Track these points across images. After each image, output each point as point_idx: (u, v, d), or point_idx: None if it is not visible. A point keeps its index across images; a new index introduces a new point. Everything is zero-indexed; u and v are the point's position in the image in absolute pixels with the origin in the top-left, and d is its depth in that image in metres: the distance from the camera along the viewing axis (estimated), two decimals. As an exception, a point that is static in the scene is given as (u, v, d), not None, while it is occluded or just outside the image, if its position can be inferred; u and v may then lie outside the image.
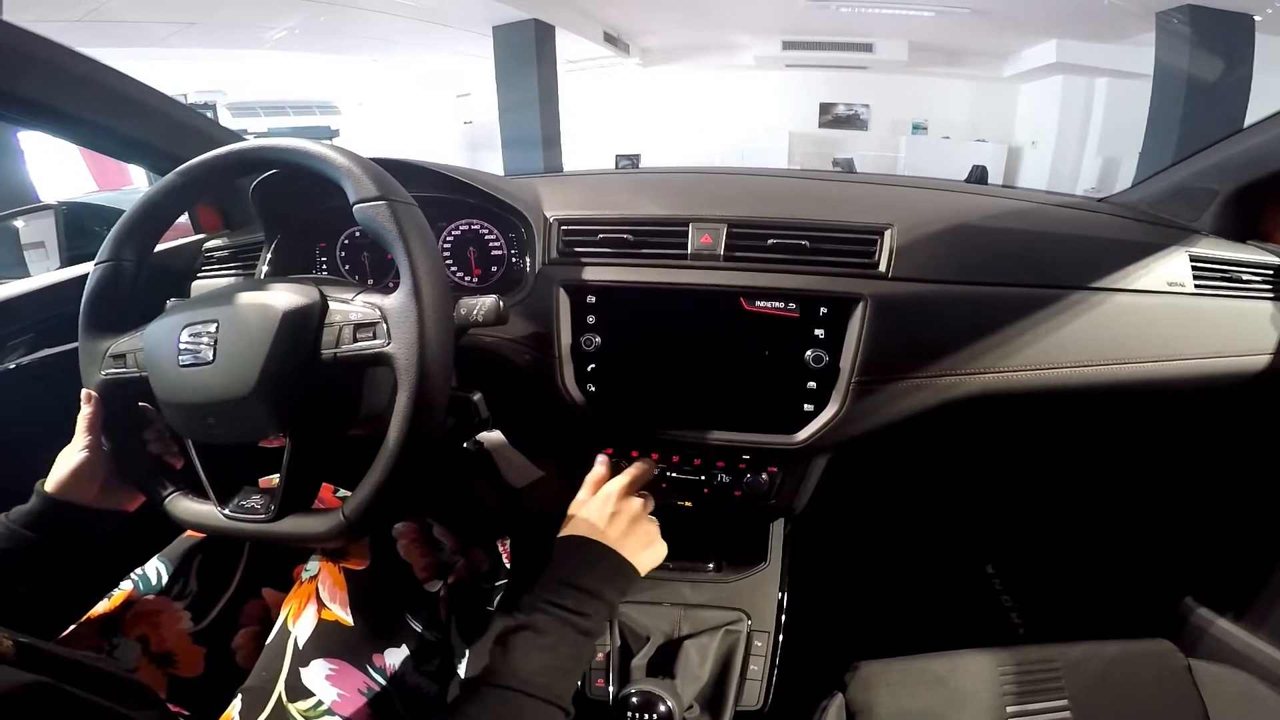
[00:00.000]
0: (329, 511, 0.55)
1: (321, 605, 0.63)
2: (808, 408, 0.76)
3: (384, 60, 8.35)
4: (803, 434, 0.76)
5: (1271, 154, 0.88)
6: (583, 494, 0.69)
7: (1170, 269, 0.82)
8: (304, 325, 0.56)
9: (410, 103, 10.39)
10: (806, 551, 0.95)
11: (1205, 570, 1.02)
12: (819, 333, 0.75)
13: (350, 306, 0.56)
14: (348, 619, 0.62)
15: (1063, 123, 8.59)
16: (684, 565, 0.87)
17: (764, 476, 0.80)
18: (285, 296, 0.57)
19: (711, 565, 0.88)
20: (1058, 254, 0.81)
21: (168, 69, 7.13)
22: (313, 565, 0.67)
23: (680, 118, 9.82)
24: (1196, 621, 0.99)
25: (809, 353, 0.75)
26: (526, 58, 6.50)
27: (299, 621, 0.62)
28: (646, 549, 0.66)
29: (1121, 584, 1.15)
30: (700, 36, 8.67)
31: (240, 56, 7.10)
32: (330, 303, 0.57)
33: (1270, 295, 0.84)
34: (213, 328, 0.57)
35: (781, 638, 0.82)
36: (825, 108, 9.88)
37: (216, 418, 0.56)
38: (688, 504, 0.83)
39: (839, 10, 6.87)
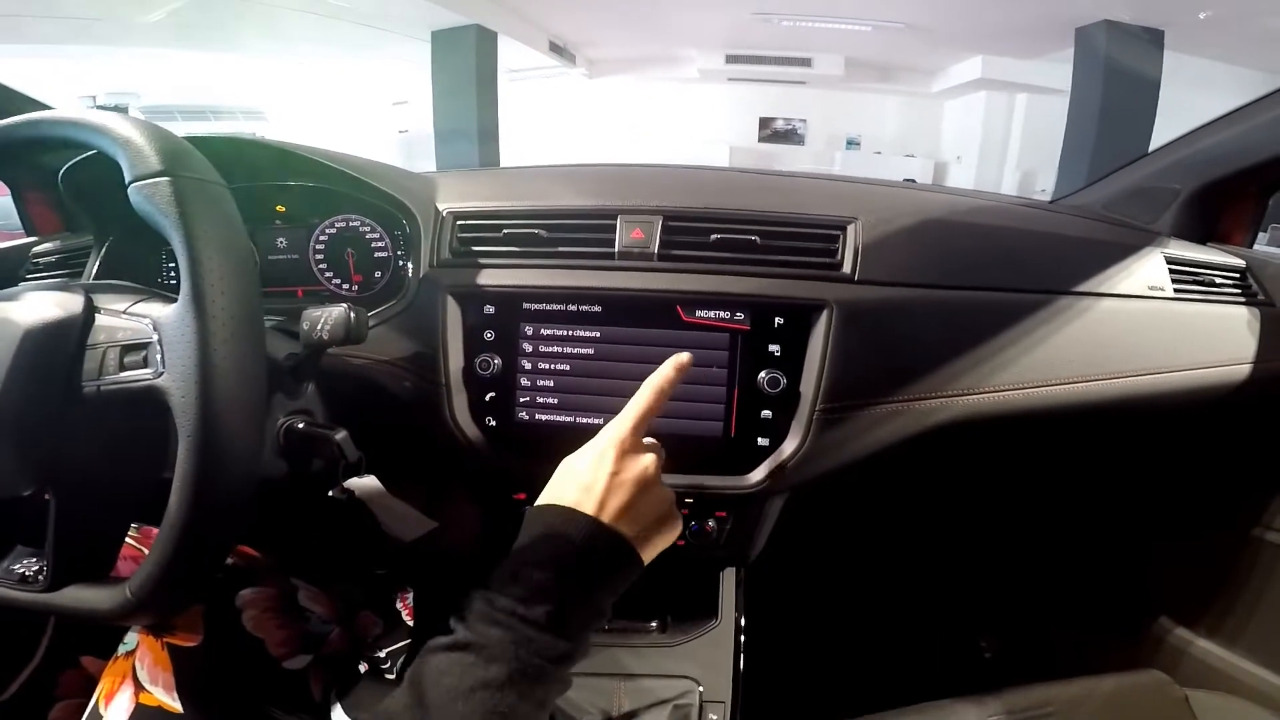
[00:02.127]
0: (116, 584, 0.44)
1: (140, 687, 0.53)
2: (762, 442, 0.64)
3: (313, 63, 8.04)
4: (756, 474, 0.64)
5: (1236, 150, 0.85)
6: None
7: (1149, 272, 0.76)
8: (56, 347, 0.43)
9: (343, 110, 10.08)
10: (763, 601, 0.84)
11: (1183, 589, 0.97)
12: (774, 349, 0.63)
13: (119, 321, 0.42)
14: (174, 704, 0.52)
15: (985, 137, 9.08)
16: (622, 626, 0.75)
17: (711, 523, 0.68)
18: (34, 309, 0.43)
19: (654, 624, 0.76)
20: (1038, 254, 0.73)
21: (75, 69, 6.65)
22: (130, 638, 0.56)
23: (625, 129, 9.88)
24: (1174, 643, 0.94)
25: (763, 374, 0.63)
26: (466, 53, 6.30)
27: (112, 705, 0.53)
28: (658, 528, 0.46)
29: (1097, 608, 1.10)
30: (647, 49, 8.79)
31: (154, 55, 6.67)
32: (97, 315, 0.43)
33: (1241, 299, 0.80)
34: None
35: (740, 707, 0.71)
36: (764, 122, 10.15)
37: None
38: (622, 555, 0.70)
39: (781, 24, 7.03)
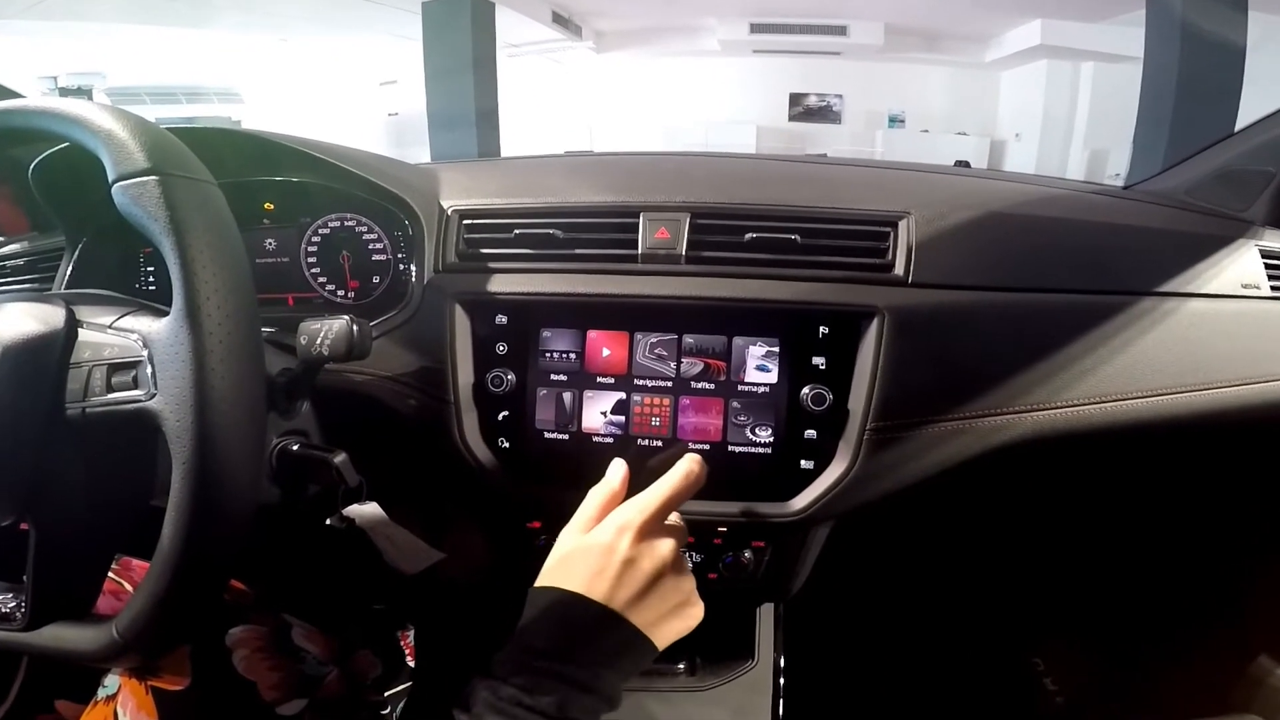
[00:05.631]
0: (101, 623, 0.45)
1: None
2: (806, 465, 0.64)
3: (293, 40, 8.14)
4: (800, 501, 0.64)
5: (1342, 127, 0.84)
6: (584, 514, 0.52)
7: (1242, 268, 0.75)
8: (37, 366, 0.44)
9: (326, 91, 10.19)
10: (804, 640, 0.83)
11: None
12: (819, 362, 0.64)
13: (105, 336, 0.43)
14: None
15: (1048, 112, 8.94)
16: (646, 667, 0.74)
17: (747, 554, 0.68)
18: (12, 322, 0.45)
19: (682, 666, 0.76)
20: (1115, 249, 0.73)
21: (33, 47, 6.79)
22: (111, 681, 0.58)
23: (638, 110, 9.87)
24: (1275, 684, 0.93)
25: (806, 389, 0.63)
26: (460, 25, 6.30)
27: None
28: (675, 616, 0.49)
29: (1185, 644, 1.08)
30: (661, 18, 8.76)
31: (120, 32, 6.80)
32: (81, 330, 0.45)
33: None
34: None
35: None
36: (795, 99, 10.07)
37: None
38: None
39: (811, -15, 6.98)
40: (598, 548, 0.48)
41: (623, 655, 0.46)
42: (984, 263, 0.67)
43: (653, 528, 0.50)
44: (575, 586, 0.46)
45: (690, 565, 0.53)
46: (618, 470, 0.54)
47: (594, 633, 0.45)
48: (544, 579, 0.48)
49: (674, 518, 0.54)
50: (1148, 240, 0.75)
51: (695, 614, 0.50)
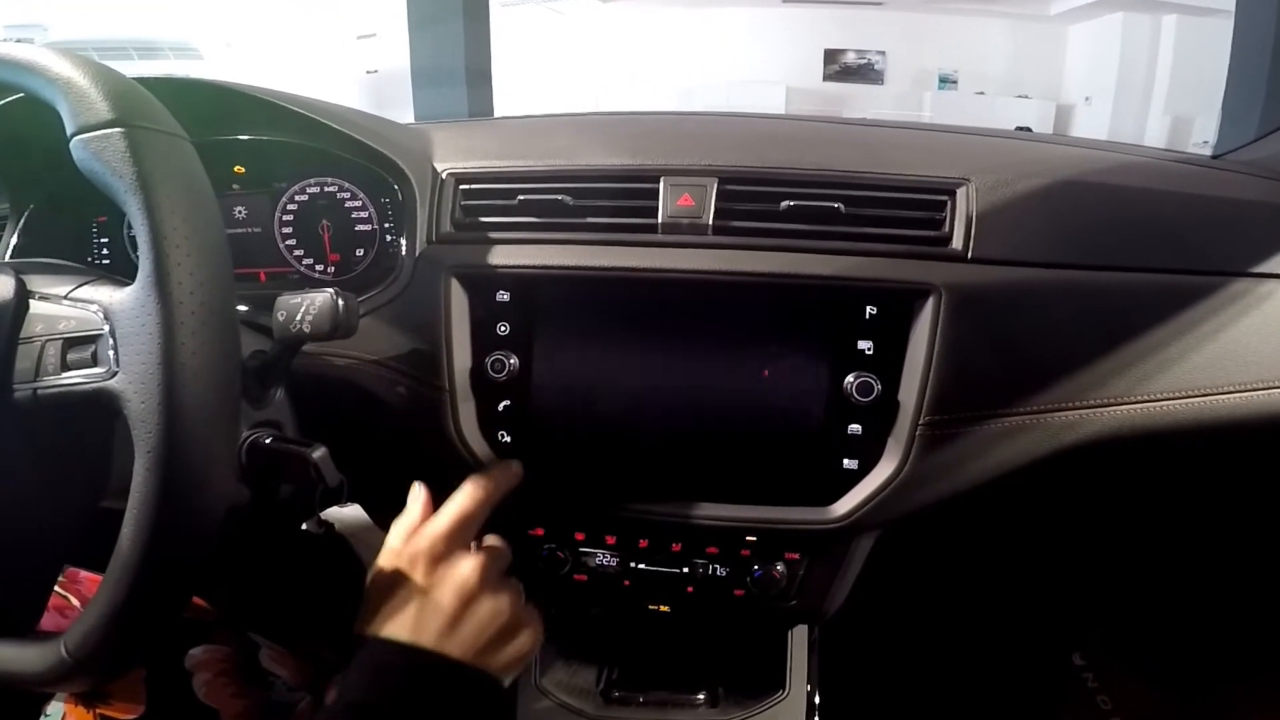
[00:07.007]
0: (49, 641, 0.45)
1: None
2: (849, 464, 0.65)
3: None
4: (843, 506, 0.65)
5: None
6: (386, 548, 0.55)
7: None
8: None
9: (296, 46, 10.24)
10: (842, 669, 0.84)
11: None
12: (865, 346, 0.64)
13: (60, 308, 0.44)
14: None
15: (1123, 72, 8.88)
16: (662, 697, 0.77)
17: (779, 568, 0.69)
18: None
19: (702, 696, 0.78)
20: (1203, 224, 0.72)
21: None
22: (54, 709, 0.60)
23: (650, 69, 9.87)
24: None
25: (850, 378, 0.64)
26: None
27: None
28: (501, 642, 0.52)
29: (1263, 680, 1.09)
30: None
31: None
32: (32, 302, 0.45)
33: None
34: None
35: None
36: (831, 56, 10.07)
37: None
38: (663, 609, 0.73)
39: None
40: (397, 586, 0.51)
41: (449, 694, 0.49)
42: (1053, 237, 0.67)
43: (445, 552, 0.52)
44: (385, 630, 0.49)
45: (512, 583, 0.55)
46: (415, 497, 0.57)
47: (408, 678, 0.48)
48: (361, 624, 0.51)
49: (493, 539, 0.58)
50: (1241, 214, 0.74)
51: (526, 634, 0.53)
